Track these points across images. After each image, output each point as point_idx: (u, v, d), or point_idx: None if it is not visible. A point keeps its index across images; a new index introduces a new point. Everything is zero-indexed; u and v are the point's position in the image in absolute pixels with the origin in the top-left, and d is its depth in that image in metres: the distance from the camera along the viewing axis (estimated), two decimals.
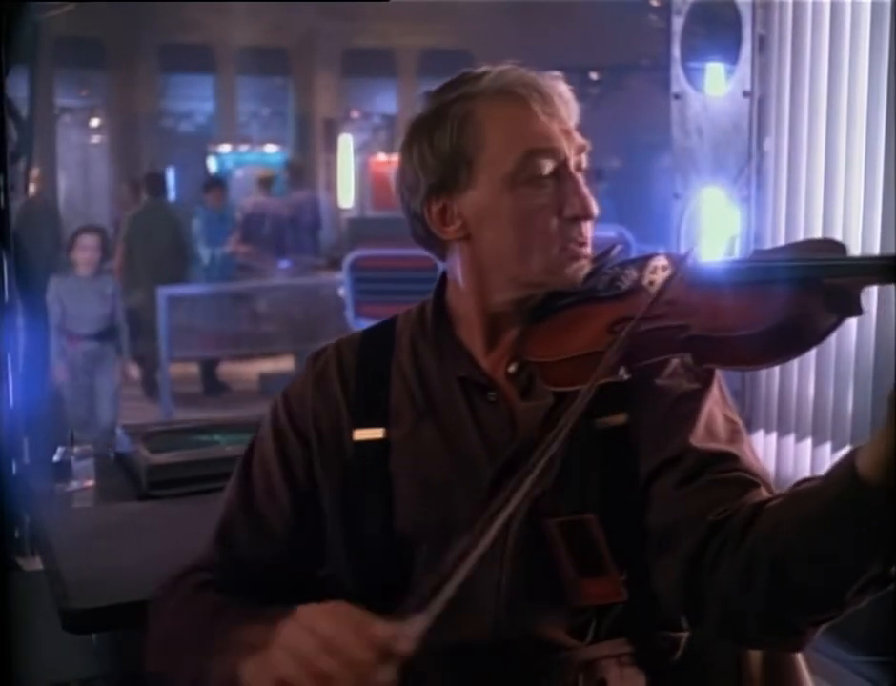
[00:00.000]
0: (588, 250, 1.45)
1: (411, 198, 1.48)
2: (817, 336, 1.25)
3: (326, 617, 1.18)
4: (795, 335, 1.25)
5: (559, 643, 1.39)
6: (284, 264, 10.57)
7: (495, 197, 1.41)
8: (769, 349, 1.27)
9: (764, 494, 1.34)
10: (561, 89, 1.45)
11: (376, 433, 1.48)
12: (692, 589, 1.31)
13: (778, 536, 1.22)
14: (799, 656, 1.50)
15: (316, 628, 1.17)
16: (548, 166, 1.41)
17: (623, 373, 1.32)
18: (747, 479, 1.35)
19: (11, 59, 4.39)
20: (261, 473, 1.55)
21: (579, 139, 1.44)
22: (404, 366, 1.51)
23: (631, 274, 1.43)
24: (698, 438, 1.38)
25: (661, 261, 1.44)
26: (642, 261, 1.46)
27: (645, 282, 1.41)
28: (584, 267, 1.44)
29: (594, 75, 13.75)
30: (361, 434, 1.49)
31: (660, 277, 1.40)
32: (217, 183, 10.33)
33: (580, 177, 1.44)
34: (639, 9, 12.30)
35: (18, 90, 6.04)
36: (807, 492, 1.23)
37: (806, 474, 3.61)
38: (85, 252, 6.61)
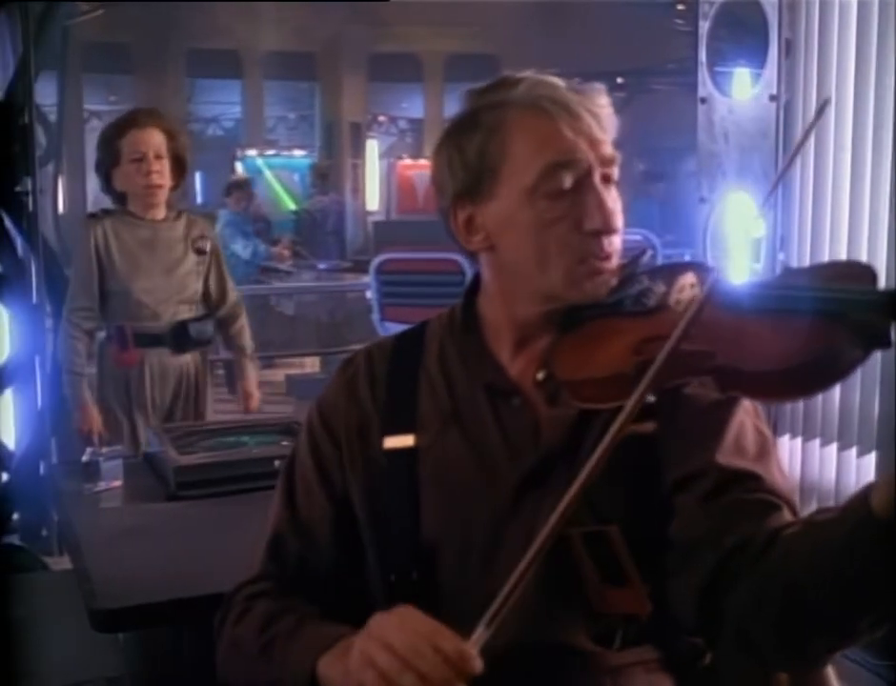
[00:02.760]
0: (612, 263, 1.42)
1: (440, 200, 1.49)
2: (843, 372, 1.22)
3: (400, 631, 1.21)
4: (821, 373, 1.22)
5: (585, 649, 1.39)
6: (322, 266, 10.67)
7: (515, 209, 1.41)
8: (795, 386, 1.24)
9: (786, 517, 1.33)
10: (595, 102, 1.43)
11: (406, 440, 1.48)
12: (706, 610, 1.31)
13: (792, 565, 1.22)
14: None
15: (393, 643, 1.19)
16: (569, 179, 1.39)
17: (650, 396, 1.30)
18: (769, 502, 1.33)
19: (41, 65, 4.43)
20: (301, 482, 1.56)
21: (607, 151, 1.42)
22: (432, 372, 1.51)
23: (659, 289, 1.41)
24: (724, 454, 1.37)
25: (689, 278, 1.41)
26: (671, 275, 1.42)
27: (672, 300, 1.38)
28: (608, 281, 1.42)
29: (620, 79, 13.72)
30: (391, 442, 1.49)
31: (687, 296, 1.37)
32: (239, 186, 10.33)
33: (606, 189, 1.41)
34: (664, 13, 12.28)
35: (47, 95, 6.08)
36: (824, 522, 1.23)
37: (832, 478, 3.60)
38: None
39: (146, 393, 3.64)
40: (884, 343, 1.21)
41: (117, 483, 2.48)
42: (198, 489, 2.41)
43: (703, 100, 3.83)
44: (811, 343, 1.20)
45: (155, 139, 3.63)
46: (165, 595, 1.88)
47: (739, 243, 3.86)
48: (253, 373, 4.07)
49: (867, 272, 1.26)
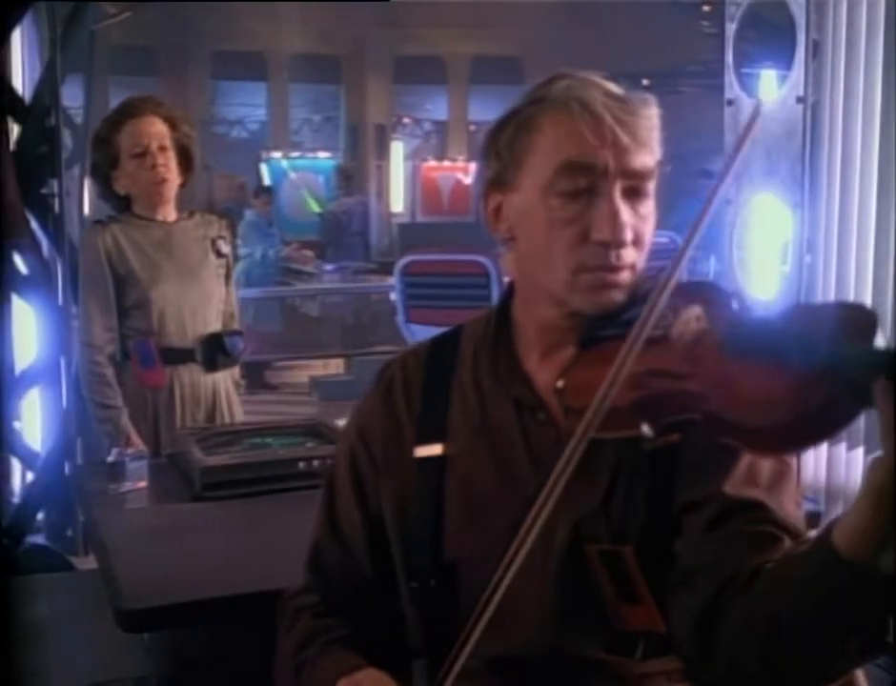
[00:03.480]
0: (621, 277, 1.39)
1: (477, 186, 1.51)
2: (837, 429, 1.17)
3: None
4: (813, 431, 1.17)
5: (605, 660, 1.39)
6: (330, 267, 10.65)
7: (532, 203, 1.41)
8: (785, 442, 1.20)
9: (784, 549, 1.30)
10: (633, 111, 1.39)
11: (436, 449, 1.49)
12: (700, 638, 1.30)
13: (773, 598, 1.22)
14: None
15: None
16: (583, 181, 1.38)
17: (648, 431, 1.28)
18: (770, 533, 1.31)
19: (68, 68, 4.45)
20: (339, 493, 1.57)
21: (635, 163, 1.38)
22: (465, 381, 1.51)
23: (667, 317, 1.34)
24: (734, 481, 1.35)
25: (696, 311, 1.35)
26: (682, 302, 1.36)
27: (675, 332, 1.32)
28: (613, 295, 1.39)
29: (645, 81, 13.67)
30: (422, 451, 1.49)
31: (692, 330, 1.32)
32: (266, 191, 10.40)
33: (628, 201, 1.38)
34: (690, 14, 12.24)
35: (74, 98, 6.11)
36: (795, 557, 1.22)
37: (857, 483, 3.58)
38: None
39: (175, 417, 3.23)
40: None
41: (143, 484, 2.48)
42: (224, 490, 2.40)
43: (730, 102, 3.81)
44: (807, 401, 1.14)
45: (157, 128, 3.24)
46: (191, 595, 1.88)
47: (765, 245, 3.85)
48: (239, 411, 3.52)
49: (870, 321, 1.18)
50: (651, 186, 1.41)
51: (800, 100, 3.54)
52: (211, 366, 3.31)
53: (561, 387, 1.40)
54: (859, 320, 1.18)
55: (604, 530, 1.36)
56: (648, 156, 1.40)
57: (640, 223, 1.40)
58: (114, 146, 3.23)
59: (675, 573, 1.34)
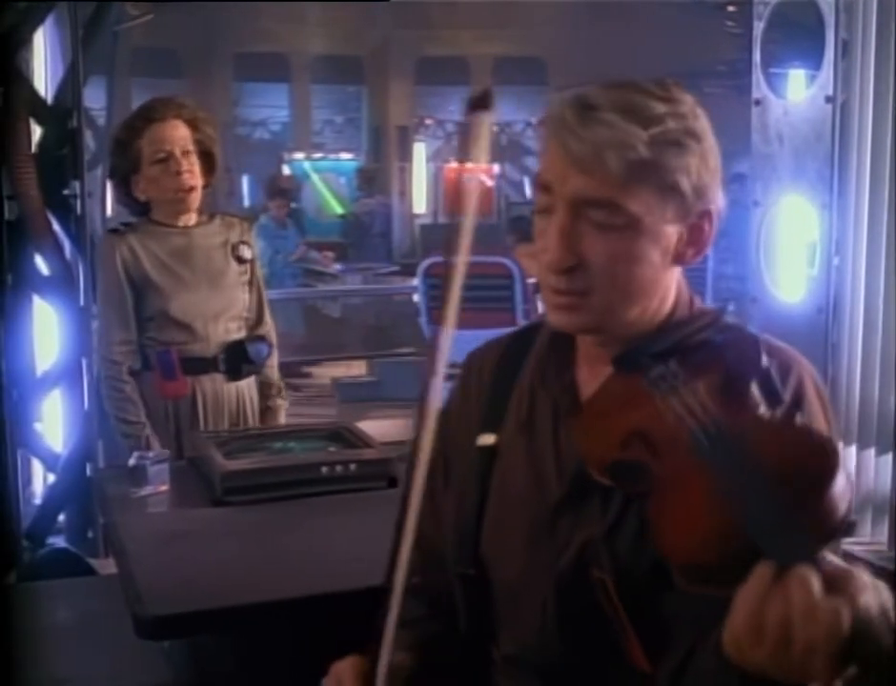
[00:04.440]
0: (575, 300, 1.33)
1: None
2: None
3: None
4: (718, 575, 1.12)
5: (615, 667, 1.35)
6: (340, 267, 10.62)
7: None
8: (690, 573, 1.15)
9: None
10: (583, 138, 1.28)
11: (490, 439, 1.48)
12: None
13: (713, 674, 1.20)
14: None
15: None
16: (544, 199, 1.34)
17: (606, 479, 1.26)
18: None
19: (90, 69, 4.44)
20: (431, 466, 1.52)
21: (587, 192, 1.29)
22: (526, 374, 1.50)
23: (677, 375, 1.29)
24: None
25: (708, 382, 1.27)
26: (703, 364, 1.29)
27: (677, 407, 1.25)
28: (571, 317, 1.35)
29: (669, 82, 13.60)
30: (482, 440, 1.49)
31: (690, 404, 1.24)
32: (282, 193, 10.36)
33: (590, 229, 1.31)
34: (715, 14, 12.18)
35: (97, 99, 6.11)
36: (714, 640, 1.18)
37: (887, 488, 3.53)
38: None
39: (198, 427, 3.15)
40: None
41: (164, 488, 2.46)
42: (245, 494, 2.37)
43: (758, 102, 3.77)
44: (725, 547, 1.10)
45: (180, 133, 3.13)
46: (211, 603, 1.85)
47: (792, 248, 3.81)
48: (283, 419, 3.46)
49: (830, 464, 1.14)
50: (627, 220, 1.30)
51: (829, 100, 3.51)
52: (234, 374, 3.23)
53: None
54: (821, 460, 1.15)
55: (607, 557, 1.32)
56: (605, 186, 1.28)
57: (601, 255, 1.31)
58: (135, 150, 3.14)
59: (661, 618, 1.30)
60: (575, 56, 14.61)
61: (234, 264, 3.25)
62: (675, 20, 12.30)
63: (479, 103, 1.27)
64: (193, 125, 3.18)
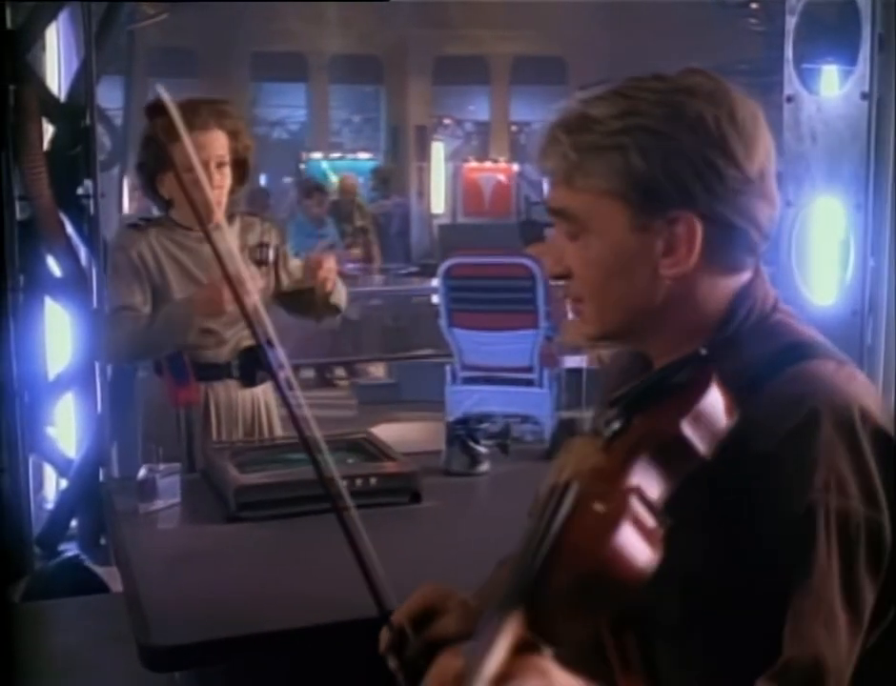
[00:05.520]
0: (576, 308, 1.35)
1: None
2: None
3: None
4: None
5: None
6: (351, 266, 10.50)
7: None
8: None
9: None
10: (557, 143, 1.28)
11: None
12: None
13: None
14: None
15: None
16: None
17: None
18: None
19: (105, 68, 4.37)
20: None
21: (551, 199, 1.31)
22: None
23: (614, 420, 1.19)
24: None
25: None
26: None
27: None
28: (575, 330, 1.37)
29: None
30: None
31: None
32: (320, 189, 10.23)
33: (563, 238, 1.32)
34: (736, 11, 12.05)
35: (112, 99, 6.06)
36: None
37: None
38: None
39: (211, 436, 3.04)
40: None
41: (175, 501, 2.34)
42: (260, 510, 2.24)
43: (790, 99, 3.65)
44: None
45: (220, 143, 3.00)
46: (224, 631, 1.73)
47: (826, 249, 3.70)
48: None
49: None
50: (580, 228, 1.29)
51: (865, 96, 3.39)
52: (249, 381, 3.12)
53: None
54: None
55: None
56: (559, 196, 1.30)
57: (577, 264, 1.32)
58: (169, 153, 2.84)
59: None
60: (594, 55, 14.54)
61: (252, 268, 3.08)
62: (696, 18, 12.21)
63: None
64: (233, 135, 3.06)
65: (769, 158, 1.31)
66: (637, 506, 1.05)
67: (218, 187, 2.98)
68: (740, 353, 1.27)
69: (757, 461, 1.17)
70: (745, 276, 1.32)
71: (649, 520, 1.04)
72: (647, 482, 1.08)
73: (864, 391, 1.24)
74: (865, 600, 1.16)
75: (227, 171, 3.03)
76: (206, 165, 2.91)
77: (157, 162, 2.99)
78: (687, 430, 1.12)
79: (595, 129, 1.25)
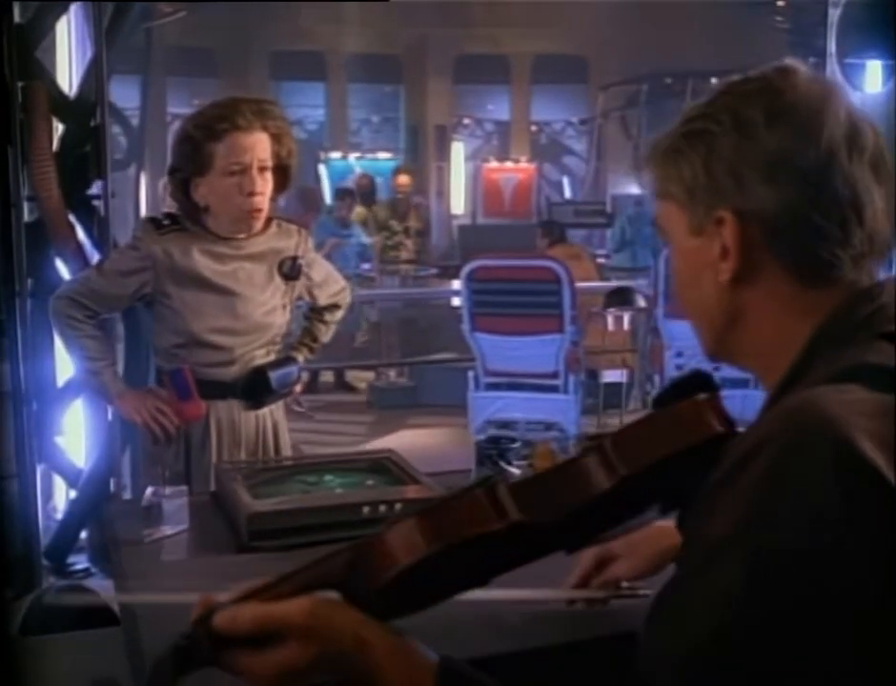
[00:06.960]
0: None
1: None
2: None
3: None
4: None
5: None
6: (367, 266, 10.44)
7: None
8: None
9: None
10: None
11: None
12: None
13: None
14: None
15: None
16: None
17: None
18: None
19: (118, 65, 4.24)
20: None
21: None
22: None
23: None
24: None
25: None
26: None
27: None
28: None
29: (713, 80, 13.35)
30: None
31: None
32: (350, 193, 10.23)
33: None
34: (761, 9, 11.91)
35: (128, 98, 5.94)
36: None
37: None
38: None
39: (209, 459, 2.89)
40: None
41: (182, 528, 2.17)
42: (275, 539, 2.06)
43: None
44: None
45: (263, 147, 2.83)
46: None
47: None
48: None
49: None
50: (663, 238, 1.31)
51: None
52: (253, 404, 2.97)
53: None
54: None
55: None
56: (657, 203, 1.31)
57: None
58: (207, 154, 2.81)
59: None
60: (616, 54, 14.40)
61: (278, 281, 2.97)
62: (720, 17, 12.09)
63: None
64: (277, 139, 2.89)
65: (842, 144, 1.15)
66: None
67: (260, 193, 2.82)
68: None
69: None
70: (846, 290, 1.16)
71: None
72: None
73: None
74: None
75: (269, 175, 2.86)
76: (247, 169, 2.79)
77: (195, 166, 2.83)
78: None
79: (666, 135, 1.25)
